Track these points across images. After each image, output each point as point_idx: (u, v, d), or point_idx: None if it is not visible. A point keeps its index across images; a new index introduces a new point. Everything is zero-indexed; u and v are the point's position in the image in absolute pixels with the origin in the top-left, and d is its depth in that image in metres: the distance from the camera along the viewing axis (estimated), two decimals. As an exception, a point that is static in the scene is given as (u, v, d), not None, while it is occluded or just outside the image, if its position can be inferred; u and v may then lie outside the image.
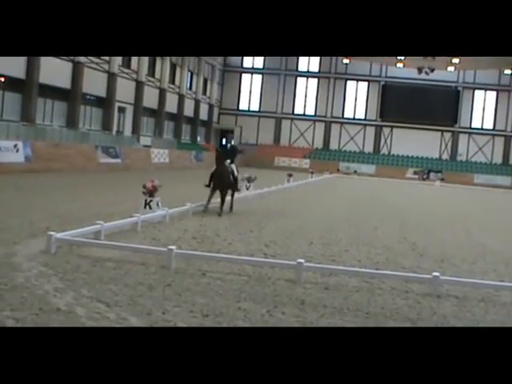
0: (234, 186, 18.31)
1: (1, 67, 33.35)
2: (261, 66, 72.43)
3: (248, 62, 72.56)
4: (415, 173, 65.51)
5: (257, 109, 72.89)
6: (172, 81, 58.14)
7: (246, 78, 73.20)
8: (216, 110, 71.94)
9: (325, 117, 71.80)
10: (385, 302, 8.59)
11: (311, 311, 7.77)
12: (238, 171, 18.66)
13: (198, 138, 65.41)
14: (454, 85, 69.74)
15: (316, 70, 71.84)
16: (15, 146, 30.37)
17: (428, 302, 8.74)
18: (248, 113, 72.72)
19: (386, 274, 10.03)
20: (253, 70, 72.85)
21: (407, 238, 15.58)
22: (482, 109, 70.20)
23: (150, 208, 14.94)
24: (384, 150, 71.52)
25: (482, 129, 69.99)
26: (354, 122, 71.89)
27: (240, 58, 71.66)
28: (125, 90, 47.87)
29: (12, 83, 35.62)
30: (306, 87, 72.44)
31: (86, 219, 13.60)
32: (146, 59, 51.17)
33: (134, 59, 49.90)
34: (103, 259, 9.85)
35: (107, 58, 44.78)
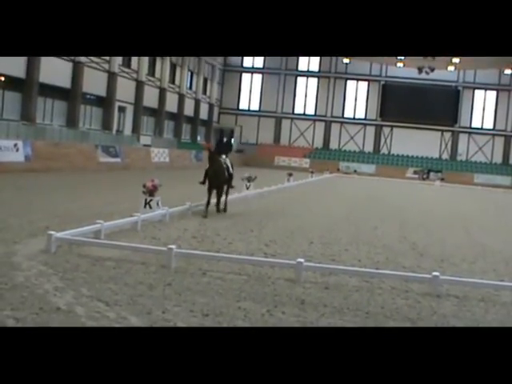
0: (229, 182, 17.81)
1: (1, 66, 33.36)
2: (261, 66, 72.42)
3: (248, 61, 72.54)
4: (415, 172, 65.48)
5: (257, 108, 72.88)
6: (172, 80, 58.14)
7: (246, 77, 73.18)
8: (216, 110, 71.95)
9: (325, 116, 71.80)
10: (385, 302, 8.59)
11: (311, 311, 7.77)
12: (232, 167, 18.09)
13: (198, 138, 65.41)
14: (454, 84, 69.73)
15: (316, 69, 71.83)
16: (15, 145, 30.36)
17: (428, 302, 8.75)
18: (248, 112, 72.71)
19: (386, 274, 10.04)
20: (253, 70, 72.85)
21: (407, 237, 15.58)
22: (482, 108, 70.17)
23: (150, 207, 14.94)
24: (384, 150, 71.51)
25: (482, 128, 69.97)
26: (354, 121, 71.88)
27: (240, 57, 71.64)
28: (125, 90, 47.87)
29: (12, 82, 35.64)
30: (306, 87, 72.42)
31: (85, 218, 13.61)
32: (146, 59, 51.16)
33: (134, 59, 49.89)
34: (103, 258, 9.85)
35: (107, 57, 44.78)
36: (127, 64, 49.05)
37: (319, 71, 71.79)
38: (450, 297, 9.16)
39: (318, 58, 71.02)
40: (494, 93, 69.66)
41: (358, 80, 71.69)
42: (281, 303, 8.03)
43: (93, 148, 38.19)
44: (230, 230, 14.49)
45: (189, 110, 62.38)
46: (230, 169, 17.73)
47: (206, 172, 17.19)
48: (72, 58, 40.36)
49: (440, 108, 68.57)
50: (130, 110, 49.99)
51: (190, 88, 63.25)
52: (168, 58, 55.58)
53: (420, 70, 64.16)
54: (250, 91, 73.10)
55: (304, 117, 72.31)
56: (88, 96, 43.75)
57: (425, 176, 63.89)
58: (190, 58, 60.83)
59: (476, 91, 69.98)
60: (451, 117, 69.66)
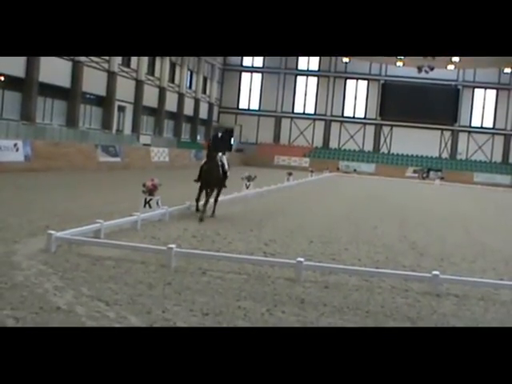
0: (222, 181, 16.73)
1: (0, 66, 33.35)
2: (260, 65, 72.41)
3: (248, 60, 72.54)
4: (415, 171, 65.45)
5: (256, 107, 72.87)
6: (172, 80, 58.14)
7: (245, 76, 73.18)
8: (216, 109, 71.95)
9: (324, 115, 71.79)
10: (384, 301, 8.60)
11: (311, 310, 7.78)
12: (229, 166, 17.11)
13: (198, 137, 65.40)
14: (453, 83, 69.71)
15: (316, 68, 71.81)
16: (15, 145, 30.35)
17: (428, 301, 8.75)
18: (248, 111, 72.71)
19: (386, 273, 10.04)
20: (252, 69, 72.85)
21: (407, 236, 15.59)
22: (482, 107, 70.16)
23: (150, 207, 14.94)
24: (384, 149, 71.52)
25: (481, 127, 69.96)
26: (353, 120, 71.89)
27: (240, 57, 71.63)
28: (125, 89, 47.87)
29: (12, 82, 35.62)
30: (306, 86, 72.42)
31: (85, 218, 13.61)
32: (145, 58, 51.13)
33: (134, 58, 49.88)
34: (103, 258, 9.85)
35: (107, 57, 44.76)
36: (127, 63, 49.05)
37: (319, 70, 71.78)
38: (450, 296, 9.17)
39: (317, 58, 70.99)
40: (494, 92, 69.66)
41: (357, 79, 71.70)
42: (281, 302, 8.04)
43: (92, 147, 38.18)
44: (230, 229, 14.49)
45: (188, 109, 62.37)
46: (226, 166, 16.75)
47: (200, 168, 16.50)
48: (72, 57, 40.34)
49: (440, 107, 68.56)
50: (129, 109, 49.99)
51: (190, 87, 63.25)
52: (168, 57, 55.55)
53: (420, 69, 64.21)
54: (250, 90, 73.10)
55: (304, 116, 72.31)
56: (88, 95, 43.75)
57: (424, 175, 63.88)
58: (189, 57, 60.80)
59: (476, 90, 69.98)
60: (451, 116, 69.67)
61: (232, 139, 70.51)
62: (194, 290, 8.30)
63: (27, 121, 35.68)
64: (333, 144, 71.99)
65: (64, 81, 40.20)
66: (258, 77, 72.83)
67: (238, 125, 72.31)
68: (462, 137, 70.19)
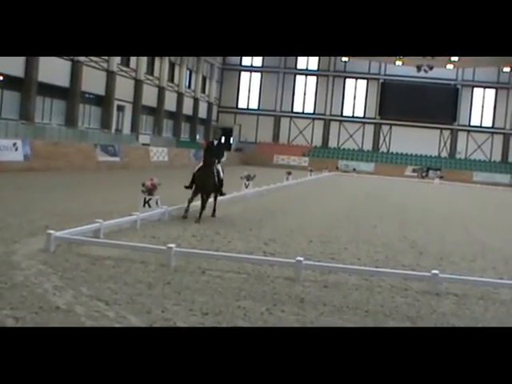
0: (218, 189, 16.00)
1: (-1, 66, 33.38)
2: (260, 65, 72.42)
3: (247, 60, 72.53)
4: (414, 171, 65.48)
5: (256, 107, 72.86)
6: (171, 79, 58.12)
7: (244, 76, 73.18)
8: (215, 109, 71.94)
9: (324, 115, 71.80)
10: (384, 300, 8.60)
11: (310, 309, 7.77)
12: (223, 172, 16.20)
13: (197, 137, 65.38)
14: (452, 83, 69.72)
15: (315, 68, 71.81)
16: (14, 144, 30.34)
17: (427, 300, 8.75)
18: (247, 111, 72.70)
19: (386, 272, 10.04)
20: (252, 68, 72.84)
21: (406, 235, 15.59)
22: (481, 106, 70.18)
23: (150, 206, 14.94)
24: (383, 148, 71.54)
25: (480, 126, 69.99)
26: (352, 119, 71.89)
27: (239, 56, 71.66)
28: (124, 89, 47.86)
29: (11, 82, 35.60)
30: (305, 85, 72.42)
31: (85, 217, 13.60)
32: (144, 58, 51.08)
33: (133, 58, 49.86)
34: (102, 257, 9.85)
35: (106, 56, 44.73)
36: (126, 63, 49.02)
37: (318, 69, 71.78)
38: (450, 295, 9.17)
39: (316, 57, 70.99)
40: (493, 91, 69.68)
41: (356, 78, 71.71)
42: (280, 302, 8.03)
43: (92, 147, 38.17)
44: (229, 228, 14.49)
45: (188, 108, 62.35)
46: (221, 174, 15.92)
47: (193, 175, 15.71)
48: (71, 57, 40.31)
49: (439, 106, 68.59)
50: (128, 108, 49.97)
51: (189, 87, 63.24)
52: (167, 57, 55.53)
53: (419, 68, 64.28)
54: (249, 90, 73.10)
55: (303, 115, 72.31)
56: (87, 95, 43.73)
57: (424, 174, 63.92)
58: (188, 57, 60.77)
59: (475, 89, 69.99)
60: (450, 115, 69.68)
61: (231, 139, 70.51)
62: (193, 290, 8.30)
63: (26, 120, 35.67)
64: (332, 143, 71.99)
65: (63, 80, 40.18)
66: (257, 76, 72.84)
67: (237, 124, 72.31)
68: (462, 136, 70.20)
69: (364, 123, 71.66)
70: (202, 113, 67.22)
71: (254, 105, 73.02)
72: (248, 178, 25.43)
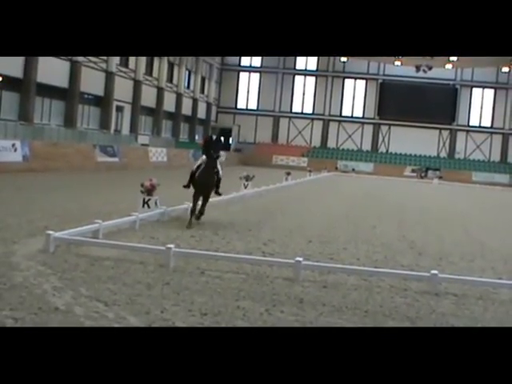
0: (216, 187, 15.48)
1: (-2, 66, 33.36)
2: (258, 65, 72.41)
3: (246, 60, 72.53)
4: (413, 171, 65.50)
5: (255, 107, 72.84)
6: (170, 80, 58.09)
7: (243, 76, 73.17)
8: (214, 109, 71.92)
9: (323, 115, 71.80)
10: (383, 300, 8.60)
11: (310, 310, 7.78)
12: (222, 169, 15.52)
13: (196, 137, 65.35)
14: (451, 83, 69.74)
15: (314, 68, 71.81)
16: (13, 145, 30.33)
17: (426, 300, 8.75)
18: (246, 111, 72.69)
19: (385, 272, 10.04)
20: (250, 69, 72.84)
21: (406, 235, 15.59)
22: (480, 107, 70.20)
23: (149, 207, 14.93)
24: (382, 148, 71.54)
25: (479, 127, 70.01)
26: (351, 120, 71.89)
27: (238, 56, 71.65)
28: (123, 89, 47.83)
29: (10, 82, 35.56)
30: (304, 85, 72.42)
31: (84, 218, 13.59)
32: (143, 58, 51.07)
33: (132, 58, 49.83)
34: (102, 258, 9.85)
35: (105, 57, 44.72)
36: (125, 63, 49.00)
37: (317, 70, 71.78)
38: (449, 295, 9.17)
39: (315, 57, 71.00)
40: (492, 91, 69.70)
41: (355, 78, 71.71)
42: (279, 302, 8.03)
43: (91, 148, 38.16)
44: (229, 229, 14.49)
45: (187, 109, 62.32)
46: (220, 172, 15.31)
47: (192, 174, 15.16)
48: (69, 57, 40.29)
49: (438, 106, 68.61)
50: (127, 109, 49.94)
51: (188, 87, 63.22)
52: (166, 57, 55.52)
53: (418, 68, 64.28)
54: (248, 90, 73.09)
55: (302, 115, 72.30)
56: (86, 96, 43.70)
57: (423, 174, 63.96)
58: (187, 57, 60.77)
59: (474, 89, 70.02)
60: (449, 115, 69.71)
61: (230, 139, 70.50)
62: (192, 290, 8.30)
63: (25, 121, 35.64)
64: (331, 143, 71.98)
65: (62, 81, 40.14)
66: (256, 76, 72.82)
67: (236, 125, 72.28)
68: (460, 136, 70.22)
69: (363, 123, 71.66)
70: (201, 113, 67.19)
71: (252, 105, 73.01)
72: (247, 178, 25.43)
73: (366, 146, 71.62)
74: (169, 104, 57.49)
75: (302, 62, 71.84)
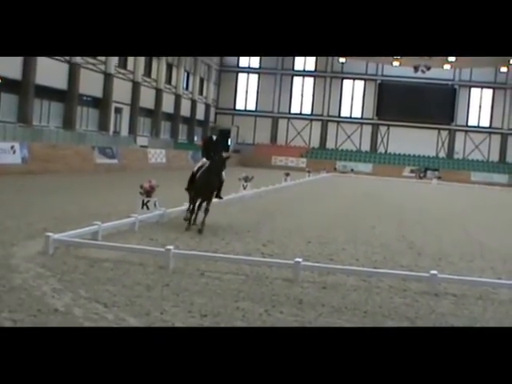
0: (218, 190, 14.70)
1: (-3, 68, 33.34)
2: (257, 66, 72.41)
3: (244, 61, 72.53)
4: (412, 171, 65.51)
5: (253, 108, 72.82)
6: (168, 81, 58.08)
7: (242, 77, 73.15)
8: (213, 110, 71.90)
9: (321, 116, 71.79)
10: (383, 301, 8.60)
11: (309, 310, 7.78)
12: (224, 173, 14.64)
13: (195, 138, 65.35)
14: (450, 83, 69.76)
15: (312, 69, 71.81)
16: (12, 147, 30.32)
17: (426, 301, 8.76)
18: (245, 112, 72.66)
19: (384, 273, 10.04)
20: (249, 70, 72.83)
21: (405, 236, 15.60)
22: (479, 107, 70.20)
23: (148, 208, 14.93)
24: (381, 149, 71.53)
25: (478, 127, 70.02)
26: (350, 120, 71.88)
27: (236, 57, 71.68)
28: (121, 91, 47.80)
29: (8, 84, 35.53)
30: (303, 86, 72.41)
31: (83, 220, 13.58)
32: (142, 60, 51.09)
33: (130, 60, 49.82)
34: (101, 260, 9.84)
35: (103, 58, 44.71)
36: (123, 65, 48.98)
37: (315, 71, 71.77)
38: (448, 295, 9.18)
39: (314, 58, 71.01)
40: (491, 91, 69.72)
41: (354, 79, 71.70)
42: (279, 303, 8.04)
43: (90, 149, 38.15)
44: (228, 230, 14.49)
45: (185, 110, 62.30)
46: (223, 176, 14.53)
47: (193, 175, 14.47)
48: (68, 59, 40.28)
49: (436, 106, 68.60)
50: (126, 111, 49.91)
51: (187, 88, 63.22)
52: (164, 58, 55.50)
53: (416, 68, 64.27)
54: (247, 91, 73.08)
55: (300, 116, 72.29)
56: (84, 97, 43.66)
57: (422, 175, 63.98)
58: (186, 58, 60.81)
59: (472, 89, 70.03)
60: (448, 115, 69.72)
61: (229, 140, 70.48)
62: (192, 292, 8.30)
63: (24, 123, 35.61)
64: (330, 144, 71.97)
65: (60, 83, 40.10)
66: (254, 77, 72.81)
67: (234, 126, 72.27)
68: (459, 136, 70.23)
69: (362, 124, 71.66)
70: (200, 114, 67.17)
71: (251, 106, 73.00)
72: (246, 179, 25.44)
73: (365, 146, 71.63)
74: (167, 105, 57.48)
75: (300, 62, 71.85)
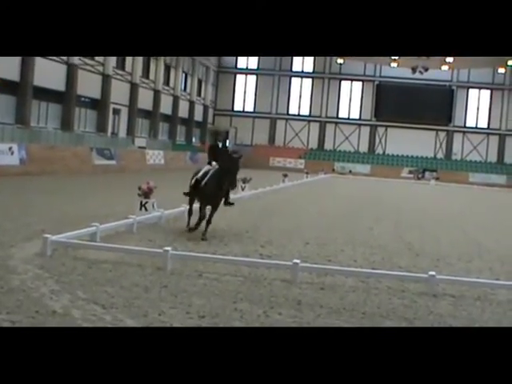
0: (226, 195, 14.10)
1: (-5, 69, 33.32)
2: (255, 67, 72.42)
3: (242, 62, 72.56)
4: (410, 172, 65.61)
5: (251, 109, 72.85)
6: (166, 82, 58.09)
7: (240, 78, 73.17)
8: (211, 111, 71.91)
9: (319, 117, 71.83)
10: (381, 302, 8.60)
11: (307, 311, 7.78)
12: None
13: (193, 139, 65.36)
14: (448, 84, 69.84)
15: (310, 70, 71.86)
16: (10, 148, 30.31)
17: (424, 301, 8.76)
18: (243, 113, 72.68)
19: (382, 274, 10.05)
20: (247, 71, 72.85)
21: (403, 237, 15.60)
22: (477, 108, 70.29)
23: (146, 209, 14.92)
24: (379, 150, 71.57)
25: (476, 128, 70.09)
26: (348, 121, 71.92)
27: (234, 58, 71.70)
28: (119, 92, 47.80)
29: (6, 85, 35.50)
30: (301, 87, 72.45)
31: (81, 221, 13.56)
32: (140, 61, 51.09)
33: (129, 61, 49.82)
34: (99, 261, 9.84)
35: (101, 59, 44.71)
36: (121, 66, 48.98)
37: (313, 72, 71.82)
38: (446, 296, 9.18)
39: (311, 59, 71.08)
40: (488, 92, 69.81)
41: (352, 80, 71.74)
42: (277, 304, 8.03)
43: (88, 151, 38.14)
44: (226, 231, 14.48)
45: (183, 111, 62.32)
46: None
47: (195, 182, 13.66)
48: (66, 60, 40.27)
49: (434, 107, 68.67)
50: (124, 112, 49.91)
51: (185, 90, 63.22)
52: (162, 59, 55.52)
53: (414, 69, 64.32)
54: (245, 92, 73.11)
55: (298, 117, 72.33)
56: (82, 99, 43.65)
57: (420, 175, 64.05)
58: (184, 59, 60.84)
59: (470, 90, 70.11)
60: (445, 116, 69.80)
61: (227, 141, 70.50)
62: (190, 293, 8.29)
63: (22, 124, 35.60)
64: (328, 145, 72.01)
65: (58, 84, 40.09)
66: (252, 79, 72.82)
67: (232, 127, 72.27)
68: (457, 137, 70.30)
69: (360, 125, 71.70)
70: (198, 116, 67.18)
71: (249, 107, 73.02)
72: (244, 180, 25.42)
73: (363, 147, 71.65)
74: (165, 106, 57.49)
75: (298, 63, 71.89)
